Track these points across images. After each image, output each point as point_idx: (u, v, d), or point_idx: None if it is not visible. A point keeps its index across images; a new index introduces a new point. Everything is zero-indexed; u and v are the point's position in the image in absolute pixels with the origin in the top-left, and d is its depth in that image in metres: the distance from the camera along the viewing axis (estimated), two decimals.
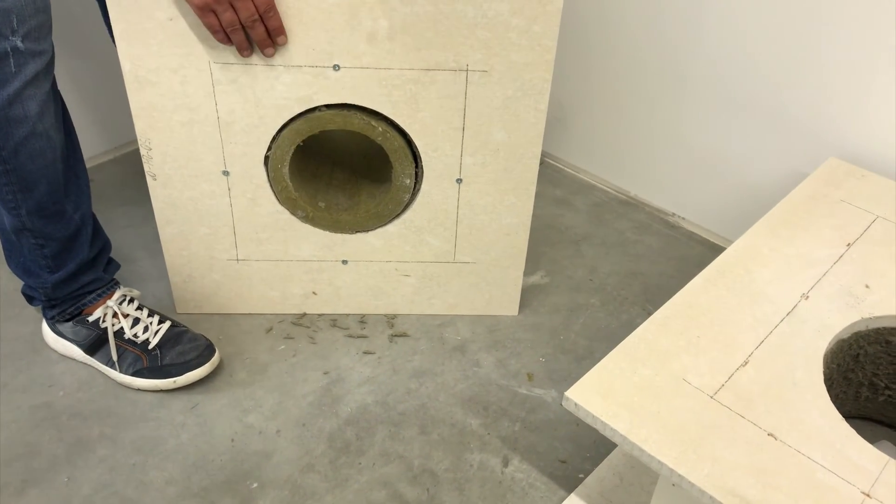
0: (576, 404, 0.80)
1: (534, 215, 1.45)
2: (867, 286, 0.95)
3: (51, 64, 0.95)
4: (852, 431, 0.78)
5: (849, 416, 1.08)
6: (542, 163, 1.64)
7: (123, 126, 1.58)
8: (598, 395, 0.81)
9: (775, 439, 0.77)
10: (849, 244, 1.01)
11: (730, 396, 0.81)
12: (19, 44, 0.88)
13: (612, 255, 1.42)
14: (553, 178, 1.61)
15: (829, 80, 1.18)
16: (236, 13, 0.90)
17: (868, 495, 0.72)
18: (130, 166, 1.58)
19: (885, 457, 0.75)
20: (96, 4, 1.07)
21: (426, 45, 0.98)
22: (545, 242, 1.44)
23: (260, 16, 0.91)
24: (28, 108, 0.93)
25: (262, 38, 0.94)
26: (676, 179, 1.46)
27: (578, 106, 1.54)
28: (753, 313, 0.91)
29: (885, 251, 1.00)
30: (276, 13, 0.92)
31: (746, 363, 0.84)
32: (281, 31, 0.94)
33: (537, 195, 1.54)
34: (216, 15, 0.90)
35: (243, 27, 0.92)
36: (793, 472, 0.74)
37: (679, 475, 0.74)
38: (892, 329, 0.93)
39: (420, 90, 1.01)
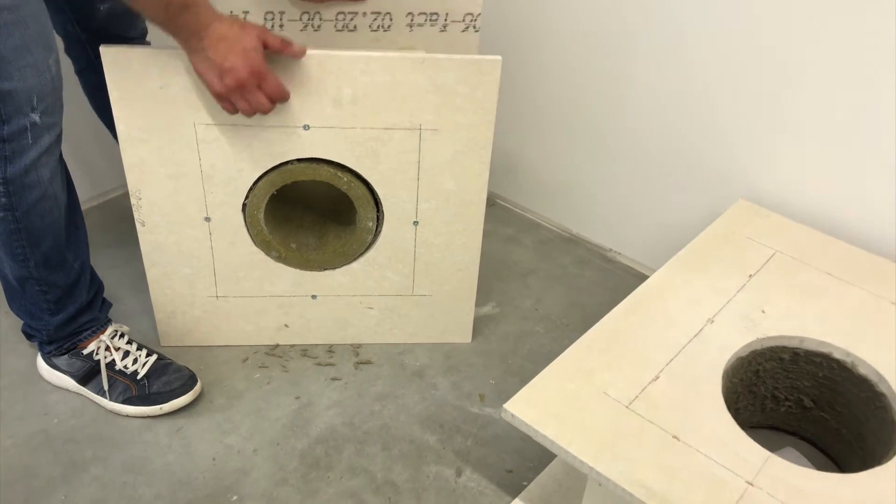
0: (512, 415, 0.94)
1: (486, 251, 1.60)
2: (763, 311, 1.11)
3: (60, 135, 1.08)
4: (742, 433, 0.93)
5: (758, 426, 1.23)
6: (493, 204, 1.80)
7: (104, 176, 1.71)
8: (530, 407, 0.95)
9: (678, 440, 0.92)
10: (750, 275, 1.18)
11: (642, 406, 0.96)
12: (37, 119, 1.01)
13: (556, 287, 1.58)
14: (504, 218, 1.76)
15: (738, 135, 1.36)
16: (248, 103, 1.04)
17: (751, 483, 0.87)
18: (111, 212, 1.70)
19: (767, 453, 0.91)
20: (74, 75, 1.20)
21: (384, 108, 1.13)
22: (496, 276, 1.59)
23: (269, 100, 1.06)
24: (41, 175, 1.06)
25: (269, 111, 1.08)
26: (612, 218, 1.62)
27: (526, 154, 1.70)
28: (665, 336, 1.06)
29: (781, 281, 1.17)
30: (283, 92, 1.07)
31: (657, 378, 1.00)
32: (287, 97, 1.09)
33: (490, 233, 1.70)
34: (231, 103, 1.04)
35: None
36: (691, 467, 0.89)
37: (597, 472, 0.88)
38: (784, 347, 1.09)
39: (380, 146, 1.16)
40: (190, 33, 0.98)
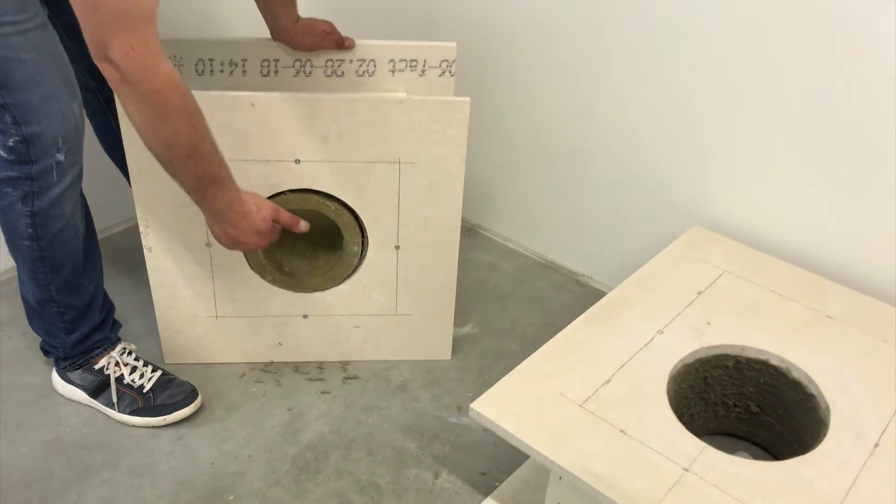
0: (479, 413, 1.06)
1: (467, 277, 1.74)
2: (709, 323, 1.23)
3: (81, 172, 1.22)
4: (681, 427, 1.05)
5: (714, 433, 1.34)
6: (475, 233, 1.93)
7: (107, 213, 1.83)
8: (495, 406, 1.07)
9: (625, 434, 1.03)
10: (699, 292, 1.30)
11: (594, 405, 1.07)
12: (61, 159, 1.15)
13: (532, 309, 1.70)
14: (484, 246, 1.89)
15: (695, 169, 1.49)
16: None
17: (687, 470, 0.98)
18: (114, 245, 1.82)
19: (703, 444, 1.02)
20: None
21: (367, 144, 1.27)
22: (476, 299, 1.71)
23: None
24: (64, 208, 1.20)
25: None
26: (584, 245, 1.75)
27: (504, 186, 1.84)
28: (618, 345, 1.18)
29: (727, 297, 1.29)
30: (288, 217, 1.21)
31: (609, 381, 1.11)
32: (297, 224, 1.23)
33: (471, 260, 1.83)
34: (247, 242, 1.17)
35: None
36: (635, 457, 1.00)
37: (552, 461, 0.99)
38: (727, 355, 1.21)
39: (363, 178, 1.30)
40: (213, 204, 1.10)
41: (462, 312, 1.63)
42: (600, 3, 1.49)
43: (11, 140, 1.11)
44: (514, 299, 1.73)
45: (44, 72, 1.10)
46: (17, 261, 1.24)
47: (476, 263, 1.83)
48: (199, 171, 1.05)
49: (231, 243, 1.15)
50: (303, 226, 1.22)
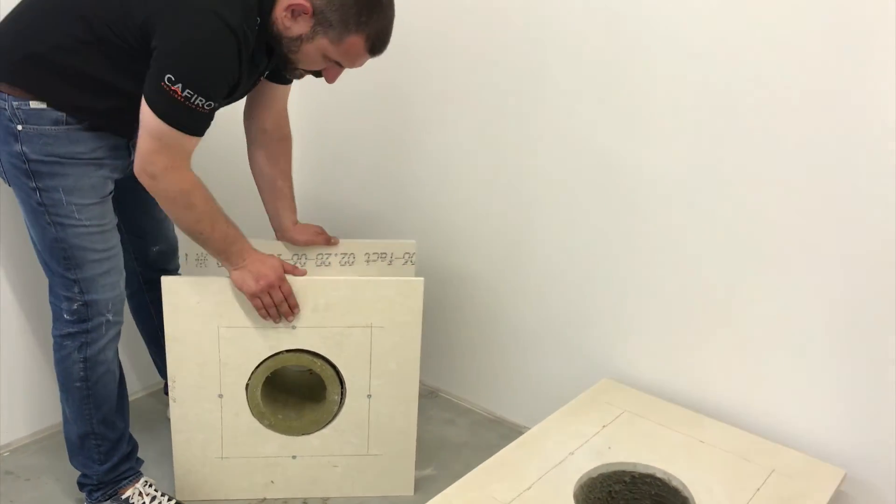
0: None
1: (428, 430, 2.08)
2: (609, 448, 1.60)
3: (121, 328, 1.61)
4: None
5: None
6: (436, 395, 2.30)
7: (129, 380, 2.20)
8: None
9: None
10: (604, 426, 1.67)
11: None
12: (109, 318, 1.56)
13: (483, 456, 1.98)
14: (444, 406, 2.26)
15: (608, 336, 1.92)
16: (272, 298, 1.61)
17: None
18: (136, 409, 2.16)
19: None
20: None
21: (346, 313, 1.68)
22: (436, 447, 2.05)
23: (284, 298, 1.62)
24: (108, 355, 1.58)
25: (286, 312, 1.64)
26: (525, 400, 2.12)
27: (458, 354, 2.24)
28: (538, 463, 1.53)
29: (625, 429, 1.66)
30: (293, 298, 1.63)
31: (530, 488, 1.46)
32: (296, 308, 1.65)
33: (432, 417, 2.18)
34: (261, 299, 1.60)
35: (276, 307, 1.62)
36: None
37: None
38: (624, 472, 1.56)
39: (343, 339, 1.70)
40: (237, 257, 1.56)
41: (424, 458, 1.96)
42: (526, 196, 1.99)
43: (75, 304, 1.53)
44: (469, 448, 2.07)
45: (106, 258, 1.53)
46: (66, 403, 1.60)
47: (436, 420, 2.19)
48: (222, 234, 1.51)
49: (256, 279, 1.57)
50: (301, 271, 1.68)
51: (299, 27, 1.41)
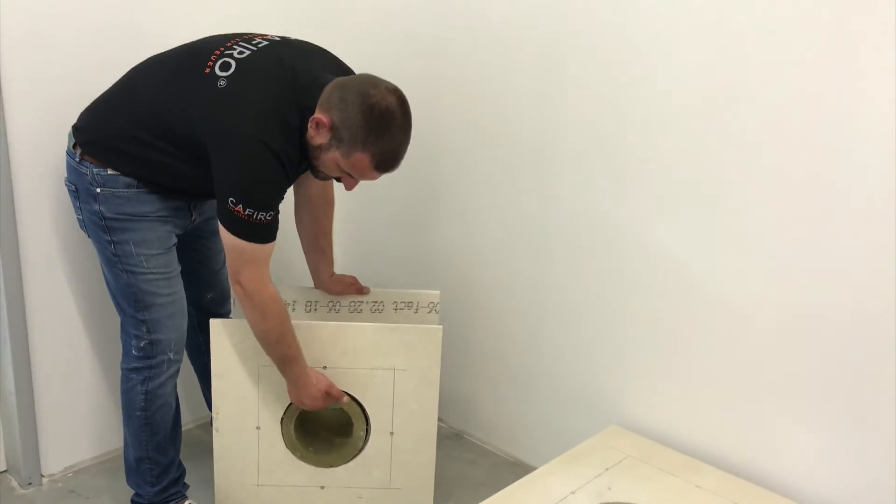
0: None
1: (450, 469, 2.23)
2: (609, 488, 1.72)
3: (180, 366, 1.82)
4: None
5: None
6: (460, 438, 2.45)
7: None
8: None
9: None
10: (606, 468, 1.80)
11: None
12: (171, 356, 1.77)
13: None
14: (467, 447, 2.40)
15: (615, 386, 2.05)
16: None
17: None
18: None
19: None
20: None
21: (372, 356, 1.87)
22: (456, 485, 2.19)
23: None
24: (167, 390, 1.79)
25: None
26: (542, 445, 2.26)
27: (481, 399, 2.39)
28: (541, 499, 1.67)
29: (627, 472, 1.79)
30: (339, 394, 1.83)
31: None
32: (342, 397, 1.85)
33: (455, 457, 2.33)
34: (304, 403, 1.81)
35: None
36: None
37: None
38: None
39: (369, 380, 1.88)
40: (290, 374, 1.76)
41: (444, 494, 2.11)
42: (543, 255, 2.15)
43: (143, 342, 1.74)
44: (486, 486, 2.20)
45: (170, 302, 1.75)
46: (127, 428, 1.82)
47: (459, 460, 2.34)
48: (283, 351, 1.71)
49: (297, 400, 1.78)
50: (344, 399, 1.83)
51: (320, 138, 1.60)
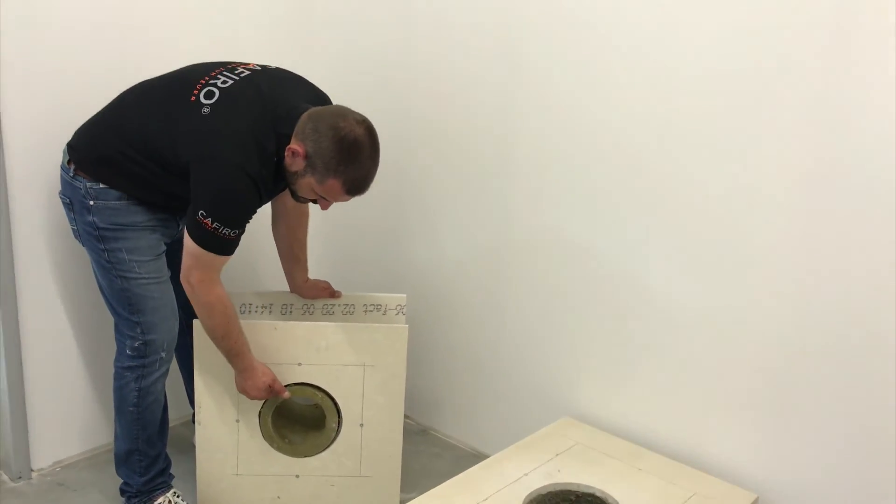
0: None
1: (417, 461, 2.39)
2: (559, 471, 1.90)
3: (170, 364, 1.97)
4: None
5: None
6: (426, 433, 2.61)
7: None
8: None
9: None
10: (557, 454, 1.98)
11: None
12: (163, 355, 1.92)
13: None
14: (433, 442, 2.57)
15: (568, 379, 2.23)
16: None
17: None
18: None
19: None
20: None
21: (344, 353, 2.03)
22: (423, 476, 2.35)
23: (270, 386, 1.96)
24: (157, 388, 1.94)
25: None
26: (501, 438, 2.42)
27: (445, 396, 2.56)
28: (496, 481, 1.84)
29: (576, 457, 1.96)
30: (280, 388, 1.97)
31: (486, 500, 1.77)
32: (283, 392, 1.99)
33: (421, 451, 2.49)
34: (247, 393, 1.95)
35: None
36: None
37: None
38: (569, 491, 1.86)
39: (341, 375, 2.04)
40: (235, 366, 1.91)
41: (410, 484, 2.27)
42: (503, 260, 2.33)
43: (136, 343, 1.89)
44: (450, 477, 2.36)
45: (162, 305, 1.91)
46: (118, 422, 1.96)
47: (425, 453, 2.50)
48: (228, 345, 1.85)
49: (241, 390, 1.92)
50: (286, 394, 1.97)
51: (296, 165, 1.77)
